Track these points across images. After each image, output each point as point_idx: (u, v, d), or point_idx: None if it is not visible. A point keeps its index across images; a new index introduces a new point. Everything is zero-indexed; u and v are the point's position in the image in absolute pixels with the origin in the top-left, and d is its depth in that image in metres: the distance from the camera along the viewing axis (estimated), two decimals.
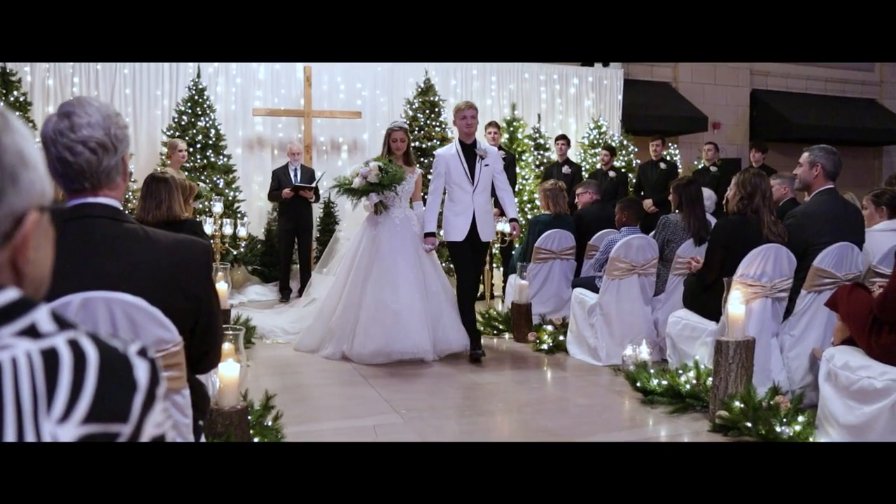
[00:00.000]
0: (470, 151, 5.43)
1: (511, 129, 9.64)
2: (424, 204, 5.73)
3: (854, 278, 4.17)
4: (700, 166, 9.86)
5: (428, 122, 8.91)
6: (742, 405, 3.60)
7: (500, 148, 8.88)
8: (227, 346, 2.80)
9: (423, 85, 9.10)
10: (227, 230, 7.58)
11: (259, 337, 6.09)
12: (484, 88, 9.92)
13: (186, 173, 7.85)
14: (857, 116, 12.43)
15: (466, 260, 5.48)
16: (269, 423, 3.49)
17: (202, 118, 8.43)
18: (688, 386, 4.15)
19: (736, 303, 3.79)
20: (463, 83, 9.86)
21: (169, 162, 7.71)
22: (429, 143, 8.83)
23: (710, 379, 3.90)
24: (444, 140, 8.95)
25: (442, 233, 5.63)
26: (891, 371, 3.21)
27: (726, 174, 7.77)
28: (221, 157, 8.46)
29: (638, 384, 4.40)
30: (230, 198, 8.29)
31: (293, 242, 8.24)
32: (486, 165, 5.44)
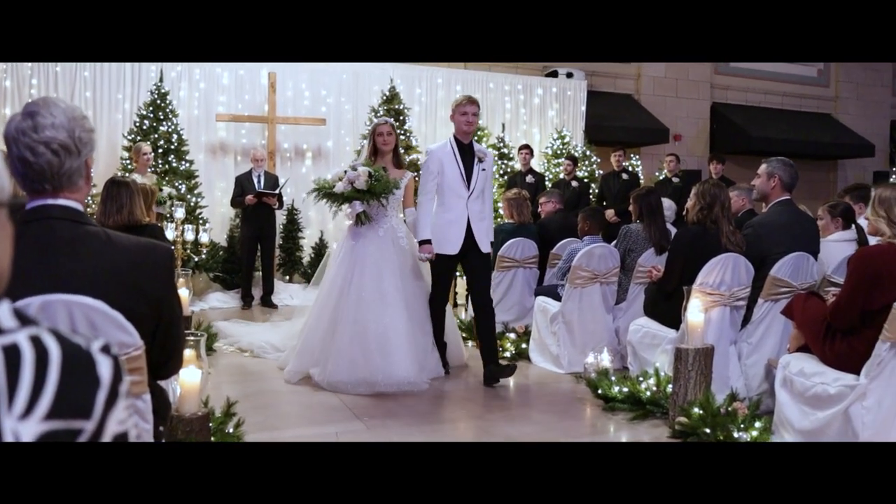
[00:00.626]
0: (468, 152, 4.92)
1: (475, 137, 9.69)
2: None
3: (809, 287, 4.27)
4: (661, 177, 10.01)
5: None
6: (701, 411, 3.66)
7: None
8: (188, 353, 2.77)
9: (388, 93, 9.11)
10: (189, 236, 7.51)
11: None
12: (449, 97, 9.94)
13: (156, 177, 7.77)
14: (812, 131, 12.72)
15: (449, 275, 5.10)
16: (231, 431, 3.46)
17: (164, 123, 8.33)
18: (648, 393, 4.21)
19: (695, 311, 3.85)
20: (428, 92, 9.89)
21: (134, 166, 7.64)
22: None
23: (670, 386, 3.96)
24: (409, 149, 8.96)
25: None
26: (844, 377, 3.29)
27: (687, 185, 7.89)
28: (184, 163, 8.38)
29: (599, 391, 4.44)
30: (192, 203, 8.21)
31: (256, 249, 8.18)
32: (484, 170, 4.95)
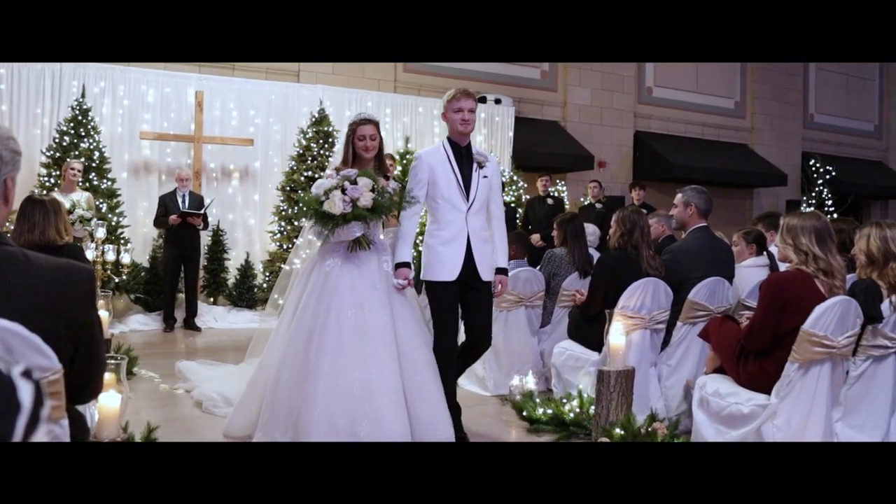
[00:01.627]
0: (465, 156, 4.05)
1: (405, 161, 9.74)
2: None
3: (725, 311, 4.43)
4: (586, 203, 10.24)
5: (321, 152, 8.88)
6: (622, 432, 3.74)
7: (392, 180, 8.99)
8: (108, 376, 2.71)
9: (317, 115, 9.08)
10: (110, 256, 7.31)
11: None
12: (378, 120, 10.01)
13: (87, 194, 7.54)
14: (730, 160, 13.21)
15: (453, 311, 4.02)
16: None
17: (86, 139, 8.11)
18: (572, 414, 4.29)
19: (617, 334, 3.95)
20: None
21: (61, 183, 7.43)
22: (322, 173, 8.79)
23: (593, 407, 4.04)
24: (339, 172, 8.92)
25: (422, 271, 4.08)
26: (756, 397, 3.43)
27: (610, 211, 8.09)
28: (105, 181, 8.16)
29: (524, 413, 4.50)
30: (113, 223, 7.99)
31: (179, 270, 8.02)
32: (485, 178, 4.07)
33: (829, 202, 12.67)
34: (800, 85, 14.61)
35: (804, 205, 12.72)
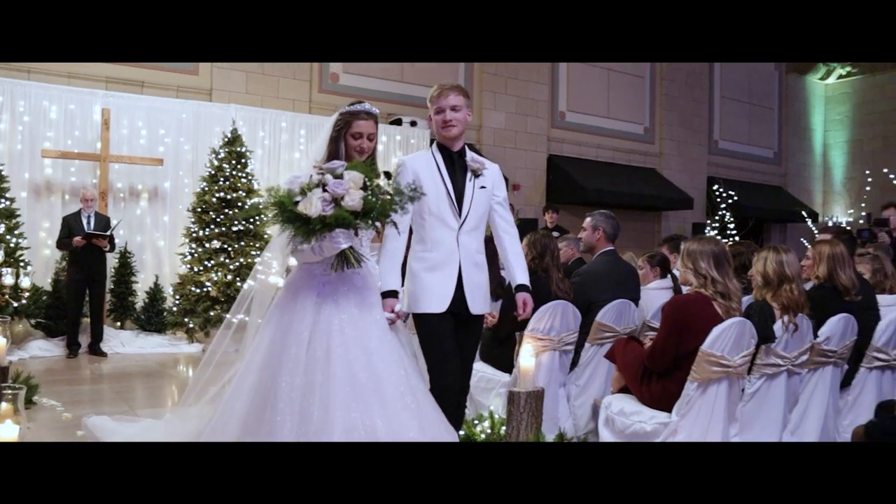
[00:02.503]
0: (458, 163, 3.44)
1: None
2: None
3: (631, 332, 4.56)
4: None
5: (234, 172, 8.73)
6: None
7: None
8: (5, 406, 2.59)
9: (229, 134, 8.93)
10: (8, 280, 7.00)
11: None
12: (293, 141, 9.92)
13: None
14: (639, 184, 13.62)
15: (447, 346, 3.34)
16: None
17: None
18: (483, 435, 4.31)
19: (527, 356, 4.00)
20: (271, 135, 9.79)
21: None
22: (234, 195, 8.66)
23: (504, 428, 4.08)
24: (251, 192, 8.80)
25: (404, 302, 3.42)
26: (658, 415, 3.53)
27: (524, 233, 8.22)
28: (3, 201, 7.82)
29: None
30: (12, 245, 7.65)
31: (84, 294, 7.73)
32: (483, 188, 3.46)
33: (732, 225, 13.19)
34: (705, 112, 15.21)
35: (708, 228, 13.20)
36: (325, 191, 2.82)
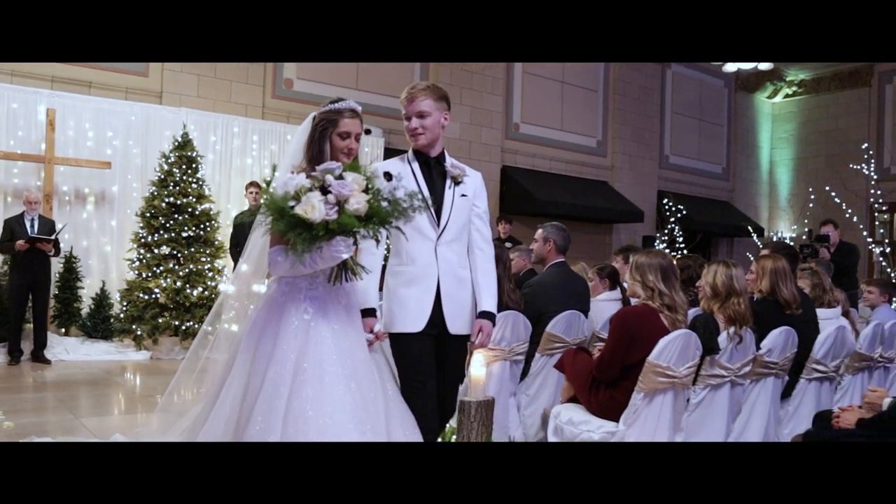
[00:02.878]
0: (436, 169, 3.23)
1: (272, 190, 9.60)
2: None
3: (580, 343, 4.61)
4: None
5: (184, 177, 8.61)
6: None
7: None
8: None
9: (180, 138, 8.80)
10: None
11: None
12: (245, 147, 9.81)
13: None
14: (592, 196, 13.79)
15: (425, 370, 3.11)
16: None
17: None
18: None
19: (478, 365, 4.00)
20: (223, 140, 9.67)
21: None
22: (184, 200, 8.53)
23: (454, 437, 4.08)
24: (202, 198, 8.68)
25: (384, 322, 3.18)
26: (606, 425, 3.58)
27: None
28: None
29: None
30: None
31: (27, 299, 7.55)
32: (464, 196, 3.23)
33: (681, 238, 13.42)
34: (657, 127, 15.48)
35: (658, 240, 13.41)
36: (325, 193, 2.57)
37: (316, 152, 2.92)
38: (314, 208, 2.54)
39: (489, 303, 3.22)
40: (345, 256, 2.67)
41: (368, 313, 3.06)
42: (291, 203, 2.58)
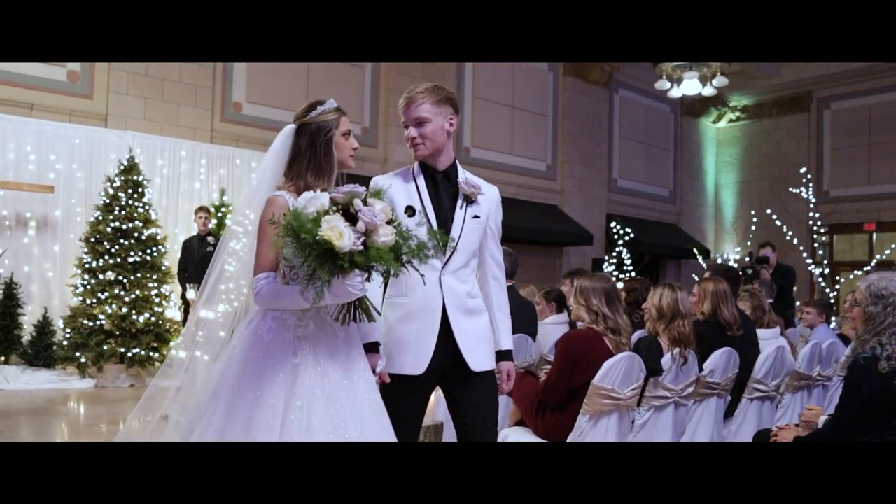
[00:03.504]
0: (444, 185, 2.81)
1: (220, 214, 9.51)
2: None
3: (528, 366, 4.64)
4: None
5: (130, 202, 8.48)
6: None
7: (209, 234, 8.70)
8: None
9: (126, 162, 8.67)
10: None
11: None
12: (193, 171, 9.70)
13: None
14: (542, 219, 13.93)
15: (409, 423, 2.71)
16: None
17: None
18: None
19: None
20: (171, 164, 9.55)
21: None
22: (130, 224, 8.39)
23: None
24: (148, 222, 8.56)
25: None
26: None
27: None
28: None
29: None
30: None
31: None
32: (476, 218, 2.81)
33: (629, 261, 13.62)
34: (605, 152, 15.74)
35: (606, 263, 13.59)
36: (351, 220, 2.19)
37: (324, 161, 2.50)
38: (342, 236, 2.15)
39: (508, 340, 2.90)
40: (360, 294, 2.29)
41: (370, 348, 2.63)
42: (313, 223, 2.19)
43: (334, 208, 2.24)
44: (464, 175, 2.85)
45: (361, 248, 2.18)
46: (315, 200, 2.25)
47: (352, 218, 2.20)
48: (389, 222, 2.27)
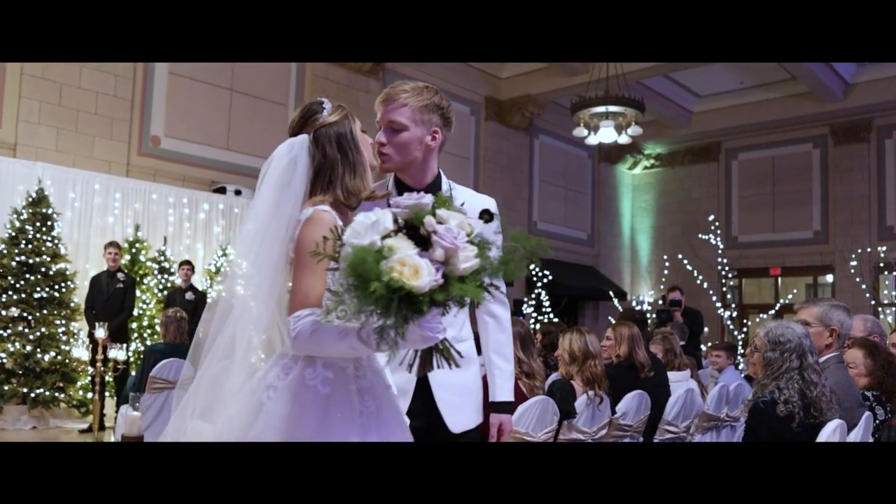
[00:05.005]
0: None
1: (133, 250, 9.26)
2: None
3: None
4: None
5: (38, 235, 8.17)
6: None
7: (119, 270, 8.45)
8: None
9: (35, 194, 8.36)
10: None
11: None
12: (107, 205, 9.41)
13: None
14: None
15: None
16: None
17: None
18: None
19: None
20: (83, 196, 9.23)
21: None
22: (37, 259, 8.07)
23: None
24: (57, 257, 8.25)
25: None
26: None
27: None
28: None
29: None
30: None
31: None
32: None
33: (547, 303, 13.82)
34: (525, 195, 16.03)
35: (525, 304, 13.76)
36: (424, 245, 1.67)
37: (354, 166, 2.09)
38: (418, 272, 1.61)
39: (506, 389, 2.44)
40: (441, 337, 1.75)
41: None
42: (376, 257, 1.64)
43: (401, 227, 1.71)
44: (449, 187, 2.40)
45: (442, 281, 1.65)
46: (376, 226, 1.69)
47: (420, 238, 1.69)
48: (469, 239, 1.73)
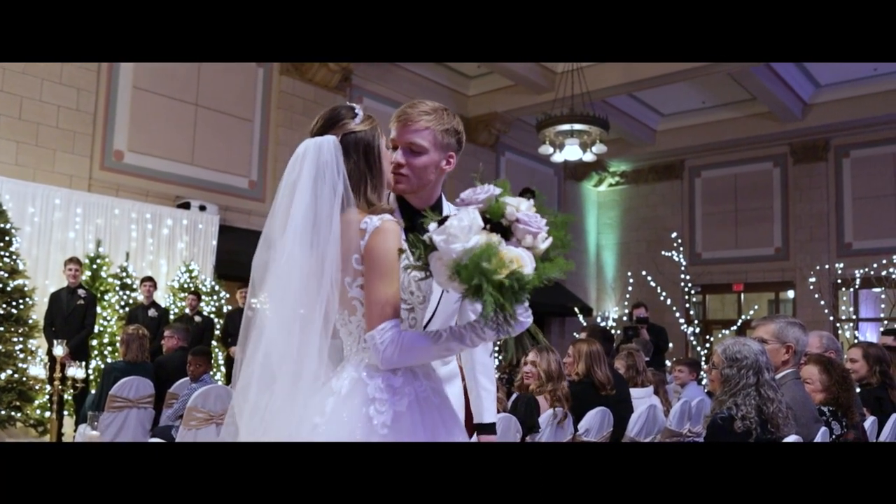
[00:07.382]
0: (422, 227, 1.90)
1: (95, 266, 9.12)
2: None
3: None
4: None
5: None
6: None
7: (79, 286, 8.32)
8: None
9: None
10: None
11: None
12: (67, 220, 9.26)
13: None
14: None
15: None
16: None
17: None
18: None
19: None
20: (43, 212, 9.05)
21: None
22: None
23: None
24: (15, 273, 8.10)
25: None
26: None
27: None
28: None
29: None
30: None
31: None
32: None
33: None
34: None
35: None
36: (505, 234, 1.75)
37: (376, 182, 2.04)
38: (522, 261, 1.71)
39: (490, 411, 2.40)
40: (531, 321, 1.88)
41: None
42: (481, 254, 1.69)
43: (489, 220, 1.77)
44: (451, 211, 2.13)
45: (534, 265, 1.74)
46: (473, 227, 1.72)
47: (502, 228, 1.76)
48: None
